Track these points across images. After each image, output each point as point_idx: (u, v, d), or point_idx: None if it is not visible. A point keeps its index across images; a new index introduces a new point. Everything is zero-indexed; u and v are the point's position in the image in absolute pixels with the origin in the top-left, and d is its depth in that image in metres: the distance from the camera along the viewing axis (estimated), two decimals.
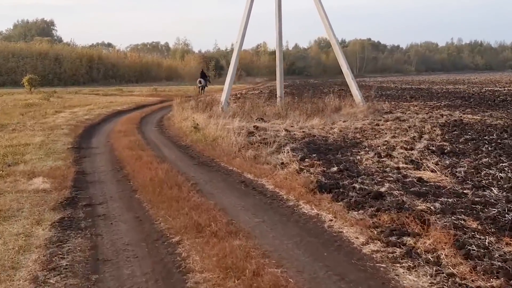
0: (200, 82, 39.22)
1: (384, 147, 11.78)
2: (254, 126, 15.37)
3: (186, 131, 16.33)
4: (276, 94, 25.39)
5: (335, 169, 8.88)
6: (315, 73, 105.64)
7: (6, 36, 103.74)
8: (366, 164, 9.72)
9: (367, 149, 11.66)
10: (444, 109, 21.23)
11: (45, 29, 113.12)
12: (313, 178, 8.14)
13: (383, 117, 18.51)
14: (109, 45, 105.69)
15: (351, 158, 10.50)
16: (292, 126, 16.12)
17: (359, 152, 11.28)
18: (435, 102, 24.84)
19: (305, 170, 8.83)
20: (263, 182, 8.82)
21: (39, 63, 73.54)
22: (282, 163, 10.07)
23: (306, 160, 9.93)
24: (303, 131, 14.93)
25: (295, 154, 10.60)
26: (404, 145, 11.84)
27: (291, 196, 7.73)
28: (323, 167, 8.92)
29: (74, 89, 54.01)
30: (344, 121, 17.72)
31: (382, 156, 10.47)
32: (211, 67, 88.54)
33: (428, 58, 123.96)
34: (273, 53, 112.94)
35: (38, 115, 21.97)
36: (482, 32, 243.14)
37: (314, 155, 10.70)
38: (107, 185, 9.26)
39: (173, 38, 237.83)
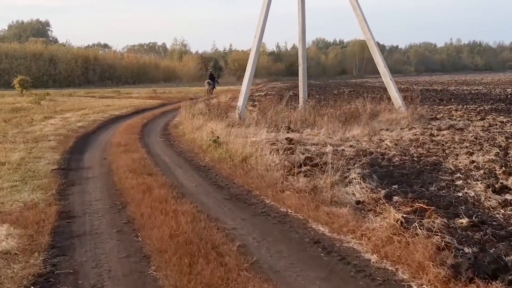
0: (209, 83, 39.38)
1: (482, 171, 8.49)
2: (287, 139, 12.01)
3: (202, 144, 13.00)
4: (298, 97, 22.08)
5: (464, 221, 5.50)
6: (315, 74, 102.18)
7: (0, 37, 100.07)
8: (490, 207, 6.43)
9: (459, 175, 8.36)
10: (493, 114, 17.99)
11: (40, 29, 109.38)
12: (443, 243, 4.83)
13: (433, 125, 15.28)
14: (106, 45, 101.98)
15: (454, 192, 7.19)
16: (330, 138, 12.84)
17: (453, 180, 8.00)
18: (475, 106, 21.58)
19: (413, 223, 5.44)
20: (354, 246, 5.45)
21: (33, 64, 70.12)
22: (359, 202, 6.83)
23: (395, 197, 6.66)
24: (351, 145, 11.66)
25: (368, 184, 7.36)
26: (501, 168, 8.59)
27: None
28: (442, 217, 5.53)
29: (69, 91, 50.56)
30: (387, 130, 14.49)
31: (497, 189, 7.19)
32: (210, 67, 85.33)
33: (427, 59, 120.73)
34: (272, 53, 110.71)
35: (24, 122, 18.62)
36: (480, 33, 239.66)
37: (395, 186, 7.44)
38: (103, 243, 5.91)
39: (170, 39, 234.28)
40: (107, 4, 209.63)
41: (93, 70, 74.94)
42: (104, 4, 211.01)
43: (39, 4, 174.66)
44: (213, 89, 39.12)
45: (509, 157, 9.75)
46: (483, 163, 9.16)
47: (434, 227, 5.25)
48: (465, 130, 14.01)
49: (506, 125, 14.85)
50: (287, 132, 13.77)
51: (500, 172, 8.31)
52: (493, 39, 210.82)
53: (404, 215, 5.66)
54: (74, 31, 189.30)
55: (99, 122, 19.62)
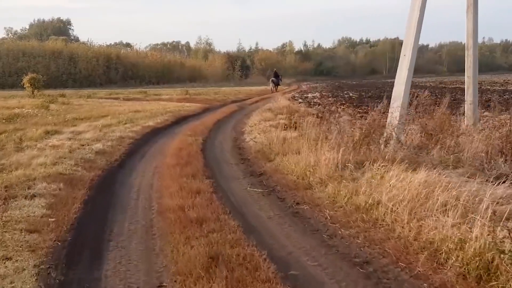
0: (273, 81, 41.27)
1: None
2: None
3: (338, 201, 5.52)
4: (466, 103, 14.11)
5: None
6: (345, 73, 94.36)
7: (21, 36, 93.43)
8: None
9: None
10: None
11: (61, 28, 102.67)
12: None
13: None
14: (128, 45, 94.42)
15: None
16: None
17: None
18: None
19: None
20: None
21: (52, 62, 63.48)
22: None
23: None
24: None
25: None
26: None
27: None
28: None
29: (88, 91, 43.12)
30: None
31: None
32: (237, 67, 77.85)
33: (459, 58, 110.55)
34: (299, 52, 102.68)
35: (9, 142, 11.15)
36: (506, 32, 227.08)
37: None
38: None
39: (193, 38, 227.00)
40: (127, 5, 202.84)
41: (115, 69, 67.81)
42: (124, 5, 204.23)
43: (59, 4, 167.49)
44: (277, 86, 41.05)
45: None
46: None
47: None
48: None
49: None
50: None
51: None
52: None
53: None
54: (94, 32, 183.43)
55: (129, 142, 11.96)
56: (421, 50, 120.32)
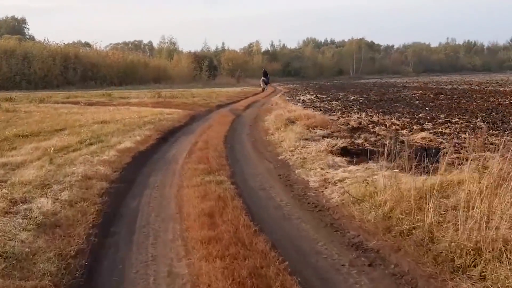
0: (263, 81, 41.11)
1: None
2: None
3: None
4: None
5: None
6: (312, 74, 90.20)
7: None
8: None
9: None
10: None
11: (16, 27, 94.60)
12: None
13: None
14: (87, 44, 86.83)
15: None
16: None
17: None
18: None
19: None
20: None
21: (4, 62, 56.52)
22: None
23: None
24: None
25: None
26: None
27: None
28: None
29: (43, 94, 36.83)
30: None
31: None
32: (205, 67, 72.12)
33: (425, 59, 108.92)
34: (267, 52, 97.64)
35: None
36: (472, 33, 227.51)
37: None
38: None
39: (155, 38, 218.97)
40: (87, 4, 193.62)
41: (74, 69, 60.86)
42: (84, 4, 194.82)
43: (15, 3, 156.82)
44: (267, 84, 40.97)
45: None
46: None
47: None
48: None
49: None
50: None
51: None
52: (488, 39, 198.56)
53: None
54: (53, 32, 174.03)
55: (101, 189, 6.56)
56: (387, 51, 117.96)
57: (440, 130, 11.09)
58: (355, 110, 17.48)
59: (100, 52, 71.11)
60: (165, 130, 13.46)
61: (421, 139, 9.53)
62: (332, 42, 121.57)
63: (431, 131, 10.69)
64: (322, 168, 7.14)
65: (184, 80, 66.92)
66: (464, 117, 14.12)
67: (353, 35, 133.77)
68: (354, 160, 7.50)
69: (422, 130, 10.76)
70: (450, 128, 11.50)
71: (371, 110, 17.43)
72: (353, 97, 26.00)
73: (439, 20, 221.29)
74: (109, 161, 8.42)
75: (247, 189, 6.84)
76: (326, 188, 6.33)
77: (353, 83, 56.68)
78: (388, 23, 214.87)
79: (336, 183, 6.28)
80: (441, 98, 22.91)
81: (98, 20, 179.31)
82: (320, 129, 11.24)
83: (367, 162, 7.00)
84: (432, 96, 25.04)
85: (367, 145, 9.00)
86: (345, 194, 5.66)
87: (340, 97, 26.96)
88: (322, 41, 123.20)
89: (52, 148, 9.61)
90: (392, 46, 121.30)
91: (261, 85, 41.00)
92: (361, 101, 22.94)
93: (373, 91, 32.33)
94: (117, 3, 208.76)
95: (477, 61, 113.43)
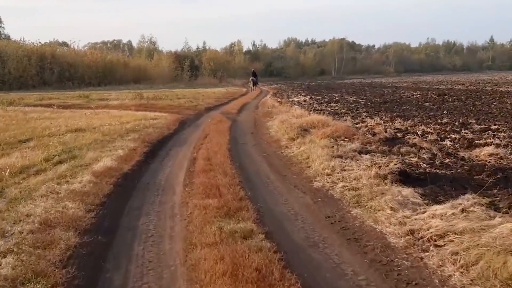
0: (252, 80, 41.40)
1: None
2: None
3: None
4: None
5: None
6: (295, 74, 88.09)
7: None
8: None
9: None
10: None
11: None
12: None
13: None
14: (64, 43, 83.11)
15: None
16: None
17: None
18: None
19: None
20: None
21: None
22: None
23: None
24: None
25: None
26: None
27: None
28: None
29: (16, 95, 33.95)
30: None
31: None
32: (186, 67, 69.39)
33: (406, 59, 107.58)
34: (248, 52, 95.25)
35: None
36: (451, 33, 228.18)
37: None
38: None
39: (134, 37, 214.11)
40: (65, 3, 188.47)
41: (51, 69, 57.68)
42: (61, 3, 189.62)
43: None
44: (255, 84, 41.39)
45: None
46: None
47: None
48: None
49: None
50: None
51: None
52: (467, 39, 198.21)
53: None
54: (28, 31, 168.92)
55: (68, 246, 4.39)
56: (368, 51, 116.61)
57: (491, 141, 8.96)
58: (364, 114, 15.34)
59: (78, 52, 67.92)
60: (153, 141, 11.17)
61: (488, 156, 7.35)
62: (313, 42, 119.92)
63: (491, 144, 8.51)
64: (392, 209, 4.94)
65: (165, 80, 64.20)
66: (500, 123, 12.06)
67: (334, 35, 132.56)
68: (426, 192, 5.28)
69: (486, 144, 8.56)
70: (499, 138, 9.39)
71: (382, 113, 15.31)
72: (351, 99, 23.89)
73: (419, 21, 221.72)
74: (81, 192, 6.14)
75: (292, 249, 4.54)
76: (421, 249, 4.07)
77: (338, 83, 54.78)
78: (368, 23, 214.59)
79: (436, 240, 4.07)
80: (449, 100, 20.92)
81: (76, 19, 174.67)
82: (345, 140, 9.01)
83: (452, 196, 4.79)
84: (436, 97, 23.07)
85: (424, 165, 6.81)
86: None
87: (336, 98, 24.86)
88: (303, 41, 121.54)
89: (8, 170, 7.22)
90: (373, 46, 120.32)
91: (250, 85, 41.78)
92: (362, 103, 20.85)
93: (368, 92, 30.33)
94: (96, 2, 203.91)
95: (457, 61, 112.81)
